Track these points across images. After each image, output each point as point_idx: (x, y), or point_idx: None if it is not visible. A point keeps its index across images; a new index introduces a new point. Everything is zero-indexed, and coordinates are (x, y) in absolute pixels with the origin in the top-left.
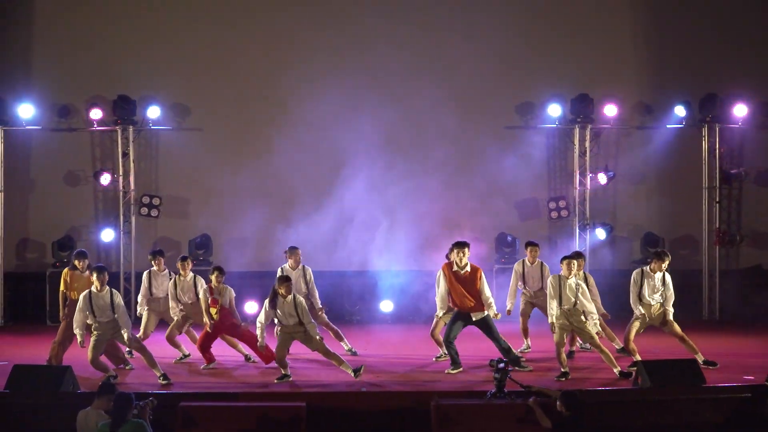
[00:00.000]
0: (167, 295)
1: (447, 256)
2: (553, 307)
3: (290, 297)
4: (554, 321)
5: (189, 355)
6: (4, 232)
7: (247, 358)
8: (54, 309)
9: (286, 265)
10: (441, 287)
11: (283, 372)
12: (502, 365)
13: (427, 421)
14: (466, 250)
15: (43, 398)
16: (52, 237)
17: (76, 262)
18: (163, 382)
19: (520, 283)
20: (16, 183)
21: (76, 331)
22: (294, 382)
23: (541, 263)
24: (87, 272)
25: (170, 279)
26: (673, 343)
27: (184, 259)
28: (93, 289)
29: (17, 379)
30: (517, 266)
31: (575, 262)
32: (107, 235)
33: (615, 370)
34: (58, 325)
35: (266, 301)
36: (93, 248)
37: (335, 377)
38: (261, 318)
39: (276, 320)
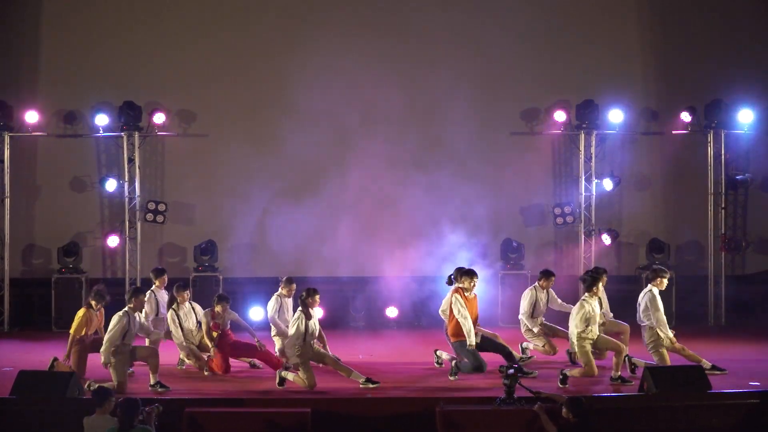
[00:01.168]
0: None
1: (455, 279)
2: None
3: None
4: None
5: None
6: (9, 238)
7: (252, 365)
8: (59, 315)
9: (281, 292)
10: (463, 312)
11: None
12: (511, 371)
13: (432, 427)
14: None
15: (49, 404)
16: (58, 243)
17: (94, 303)
18: (160, 389)
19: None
20: (21, 189)
21: (111, 359)
22: (299, 388)
23: (549, 289)
24: (101, 311)
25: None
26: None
27: (184, 287)
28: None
29: (23, 384)
30: (531, 293)
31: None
32: (113, 241)
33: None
34: (64, 331)
35: (300, 314)
36: (98, 254)
37: (340, 383)
38: (294, 332)
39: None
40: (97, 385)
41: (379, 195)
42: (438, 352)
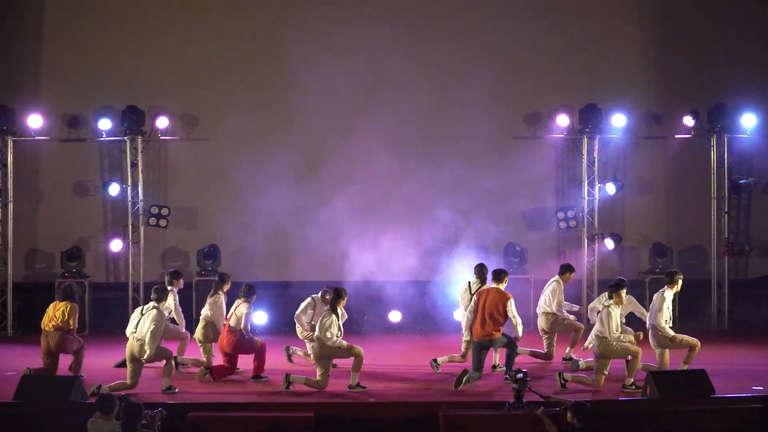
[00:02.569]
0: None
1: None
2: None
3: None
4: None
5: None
6: (13, 242)
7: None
8: None
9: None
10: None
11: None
12: (520, 376)
13: (435, 431)
14: None
15: (52, 408)
16: (61, 247)
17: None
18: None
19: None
20: (25, 193)
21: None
22: (302, 391)
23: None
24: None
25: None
26: (679, 354)
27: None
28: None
29: (26, 388)
30: (559, 286)
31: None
32: (116, 245)
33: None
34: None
35: (333, 316)
36: (101, 258)
37: (344, 387)
38: (339, 336)
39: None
40: (103, 387)
41: (383, 202)
42: (440, 360)
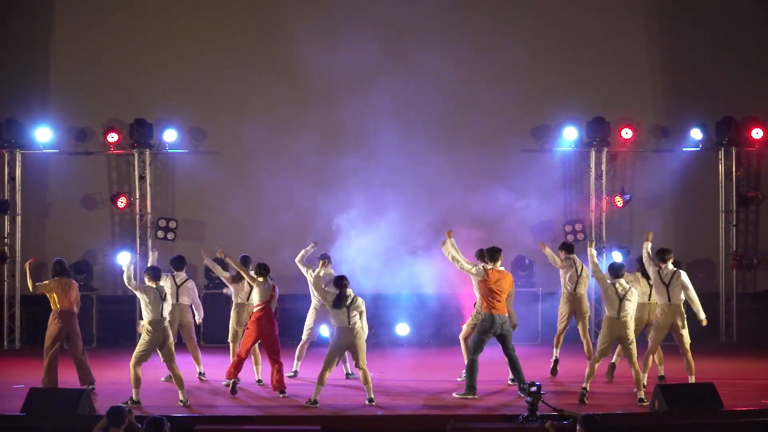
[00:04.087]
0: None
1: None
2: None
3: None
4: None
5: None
6: (20, 255)
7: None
8: None
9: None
10: None
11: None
12: (534, 389)
13: None
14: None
15: (60, 421)
16: (69, 260)
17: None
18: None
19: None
20: (33, 206)
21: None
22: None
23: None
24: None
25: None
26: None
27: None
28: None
29: (34, 402)
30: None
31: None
32: (124, 258)
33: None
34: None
35: None
36: (109, 271)
37: (350, 400)
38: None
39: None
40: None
41: (388, 216)
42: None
